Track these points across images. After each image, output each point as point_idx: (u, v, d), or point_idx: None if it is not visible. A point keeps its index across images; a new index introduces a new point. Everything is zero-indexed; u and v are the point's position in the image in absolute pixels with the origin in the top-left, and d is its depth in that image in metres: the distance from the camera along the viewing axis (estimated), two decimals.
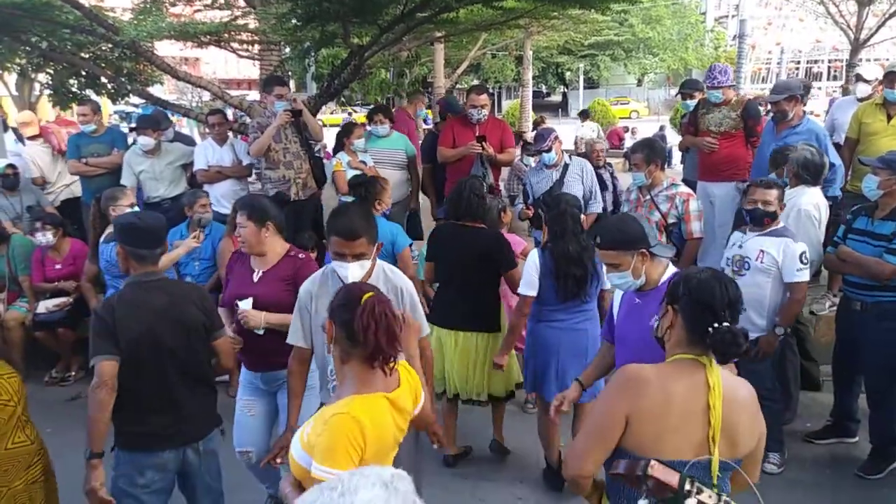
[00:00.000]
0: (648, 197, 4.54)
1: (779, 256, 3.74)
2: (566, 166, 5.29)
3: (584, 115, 14.97)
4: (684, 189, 4.56)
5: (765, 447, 2.13)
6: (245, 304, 3.23)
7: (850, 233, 3.97)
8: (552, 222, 3.74)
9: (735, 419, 1.94)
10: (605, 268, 2.90)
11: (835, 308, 4.69)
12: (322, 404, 2.67)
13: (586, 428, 2.05)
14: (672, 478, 1.35)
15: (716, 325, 1.94)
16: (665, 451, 1.88)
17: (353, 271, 2.69)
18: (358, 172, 5.76)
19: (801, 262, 3.72)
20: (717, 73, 5.73)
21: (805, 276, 3.75)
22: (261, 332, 3.24)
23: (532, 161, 6.63)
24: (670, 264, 2.90)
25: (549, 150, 5.18)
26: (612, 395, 2.00)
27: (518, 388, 4.22)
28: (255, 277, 3.34)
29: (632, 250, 2.76)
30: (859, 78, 6.44)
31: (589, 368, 3.21)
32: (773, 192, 3.78)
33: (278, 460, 2.83)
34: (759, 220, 3.82)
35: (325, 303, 2.69)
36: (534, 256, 3.73)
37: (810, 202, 4.22)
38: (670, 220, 4.48)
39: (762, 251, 3.78)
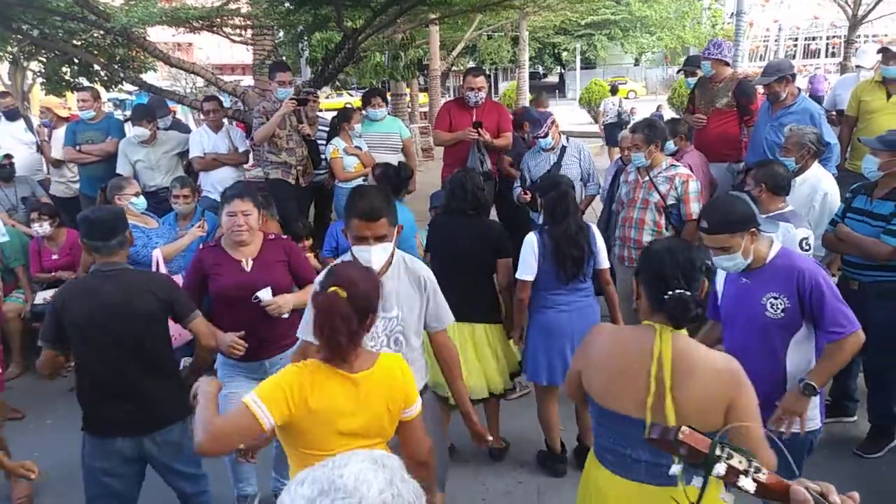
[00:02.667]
0: (647, 178, 4.52)
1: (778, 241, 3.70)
2: (563, 149, 5.29)
3: (614, 90, 15.64)
4: (683, 170, 4.53)
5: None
6: (265, 295, 3.21)
7: (849, 212, 3.94)
8: (554, 204, 3.69)
9: (686, 392, 2.01)
10: (711, 252, 2.78)
11: None
12: None
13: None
14: (702, 443, 1.37)
15: (669, 292, 2.03)
16: (608, 402, 2.13)
17: (375, 255, 2.52)
18: (354, 158, 5.75)
19: (801, 248, 3.63)
20: (712, 45, 5.74)
21: None
22: (286, 315, 3.25)
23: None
24: (775, 240, 2.85)
25: (545, 136, 5.17)
26: (580, 346, 2.33)
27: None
28: (247, 267, 3.32)
29: (742, 231, 2.71)
30: (860, 68, 6.39)
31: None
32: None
33: (251, 459, 2.66)
34: None
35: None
36: (532, 239, 3.70)
37: (833, 186, 4.23)
38: (669, 202, 4.46)
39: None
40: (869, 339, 3.90)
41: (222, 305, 3.32)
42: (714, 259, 2.82)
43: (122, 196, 4.62)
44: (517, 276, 3.73)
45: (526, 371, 3.95)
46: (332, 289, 1.97)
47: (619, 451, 2.16)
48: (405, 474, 1.09)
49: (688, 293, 2.03)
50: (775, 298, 2.73)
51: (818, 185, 4.20)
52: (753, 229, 2.74)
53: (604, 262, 3.81)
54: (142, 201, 4.74)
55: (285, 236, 3.66)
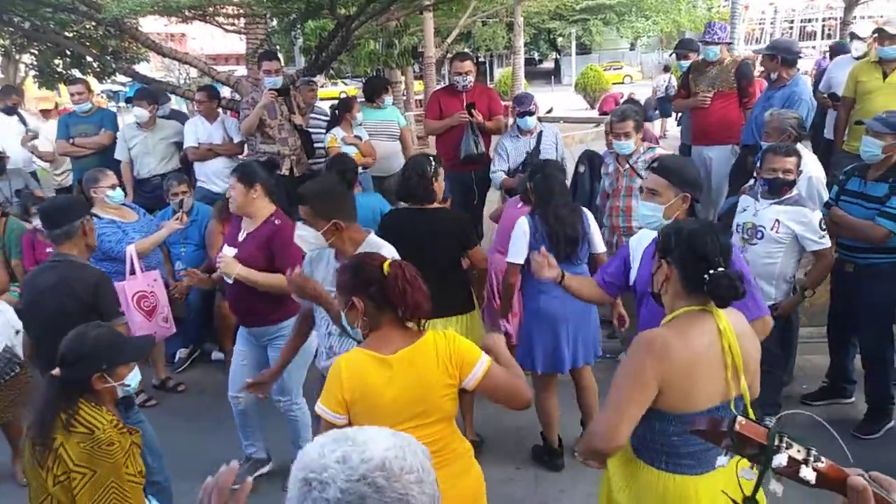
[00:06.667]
0: (627, 165, 4.49)
1: (796, 227, 3.64)
2: (540, 133, 5.32)
3: (667, 69, 16.49)
4: (661, 150, 4.55)
5: (764, 411, 2.16)
6: (228, 251, 3.51)
7: (843, 194, 3.94)
8: (539, 185, 3.69)
9: (746, 352, 2.05)
10: (643, 193, 2.83)
11: None
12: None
13: (616, 400, 2.00)
14: (760, 434, 1.31)
15: (711, 271, 1.96)
16: (698, 404, 1.97)
17: (298, 231, 2.94)
18: (352, 148, 5.71)
19: (821, 228, 3.64)
20: (717, 28, 5.70)
21: (827, 241, 3.68)
22: (230, 280, 3.45)
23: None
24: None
25: (532, 114, 5.18)
26: (640, 365, 1.98)
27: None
28: (241, 237, 3.59)
29: (678, 188, 2.73)
30: (854, 36, 6.34)
31: (575, 280, 3.17)
32: (792, 160, 3.64)
33: (259, 395, 3.34)
34: (777, 188, 3.66)
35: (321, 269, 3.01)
36: (523, 223, 3.67)
37: (819, 169, 4.23)
38: None
39: (778, 221, 3.66)
40: (863, 320, 3.96)
41: None
42: (641, 202, 2.86)
43: (98, 188, 4.50)
44: (507, 259, 3.70)
45: (519, 360, 3.86)
46: (387, 262, 2.17)
47: (703, 450, 2.03)
48: (425, 460, 1.12)
49: (732, 271, 1.98)
50: None
51: (804, 169, 4.17)
52: (688, 195, 2.74)
53: (599, 247, 3.79)
54: (118, 193, 4.60)
55: (278, 220, 3.63)
